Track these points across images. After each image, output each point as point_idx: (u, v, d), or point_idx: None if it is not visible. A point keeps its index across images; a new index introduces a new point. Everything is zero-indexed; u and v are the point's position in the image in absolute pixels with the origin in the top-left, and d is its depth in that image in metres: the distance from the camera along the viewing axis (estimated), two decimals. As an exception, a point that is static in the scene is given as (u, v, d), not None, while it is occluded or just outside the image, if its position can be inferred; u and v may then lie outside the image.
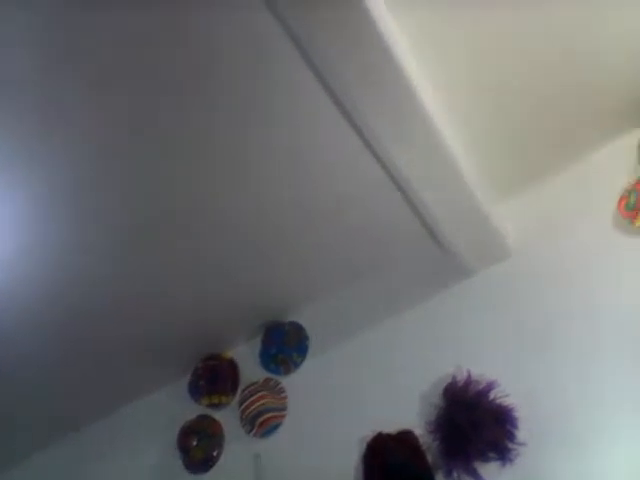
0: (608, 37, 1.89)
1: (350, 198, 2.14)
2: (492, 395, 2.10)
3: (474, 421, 2.08)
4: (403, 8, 1.62)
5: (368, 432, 2.24)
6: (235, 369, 2.63)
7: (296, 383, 2.49)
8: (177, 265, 2.20)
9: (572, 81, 1.99)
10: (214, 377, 2.58)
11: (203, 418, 2.56)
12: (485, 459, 2.07)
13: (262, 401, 2.44)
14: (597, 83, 2.03)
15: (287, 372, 2.52)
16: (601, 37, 1.88)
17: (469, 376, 2.14)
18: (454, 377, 2.17)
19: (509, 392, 2.08)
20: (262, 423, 2.42)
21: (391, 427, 2.21)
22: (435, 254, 2.39)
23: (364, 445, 2.24)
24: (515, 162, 2.21)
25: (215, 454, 2.50)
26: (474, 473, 2.07)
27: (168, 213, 1.98)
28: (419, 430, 2.19)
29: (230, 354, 2.66)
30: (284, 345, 2.53)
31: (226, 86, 1.65)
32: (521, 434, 2.04)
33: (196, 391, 2.60)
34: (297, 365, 2.52)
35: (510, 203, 2.28)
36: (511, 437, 2.05)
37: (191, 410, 2.59)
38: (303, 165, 1.97)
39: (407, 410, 2.23)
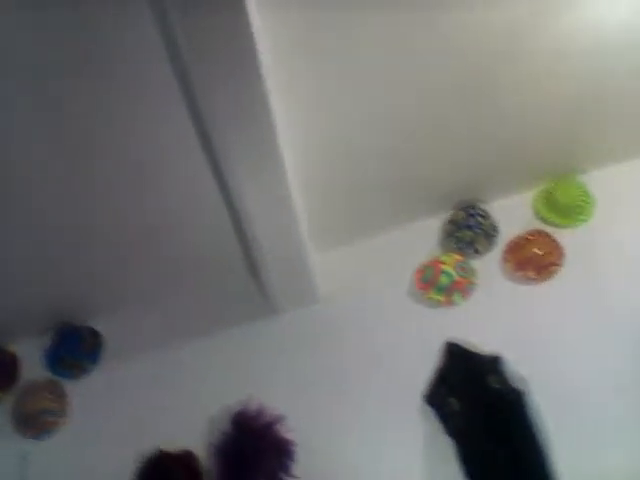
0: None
1: (181, 215, 2.19)
2: (278, 428, 2.21)
3: (258, 450, 2.17)
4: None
5: (148, 448, 2.24)
6: (15, 364, 2.47)
7: (82, 389, 2.40)
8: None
9: (396, 173, 2.29)
10: (-11, 370, 2.41)
11: (-33, 411, 2.37)
12: (261, 489, 2.16)
13: (41, 402, 2.33)
14: (417, 178, 2.35)
15: (75, 377, 2.42)
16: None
17: (260, 406, 2.24)
18: (245, 405, 2.25)
19: (294, 428, 2.21)
20: (37, 424, 2.30)
21: (173, 446, 2.23)
22: (249, 286, 2.50)
23: (142, 460, 2.23)
24: (342, 219, 2.41)
25: (-24, 451, 2.32)
26: (248, 501, 2.15)
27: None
28: (201, 452, 2.23)
29: (13, 348, 2.50)
30: (76, 349, 2.44)
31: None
32: (297, 468, 2.17)
33: (-34, 383, 2.41)
34: (87, 372, 2.43)
35: (329, 254, 2.46)
36: (287, 470, 2.17)
37: (-44, 402, 2.38)
38: (146, 178, 2.00)
39: (192, 432, 2.26)
